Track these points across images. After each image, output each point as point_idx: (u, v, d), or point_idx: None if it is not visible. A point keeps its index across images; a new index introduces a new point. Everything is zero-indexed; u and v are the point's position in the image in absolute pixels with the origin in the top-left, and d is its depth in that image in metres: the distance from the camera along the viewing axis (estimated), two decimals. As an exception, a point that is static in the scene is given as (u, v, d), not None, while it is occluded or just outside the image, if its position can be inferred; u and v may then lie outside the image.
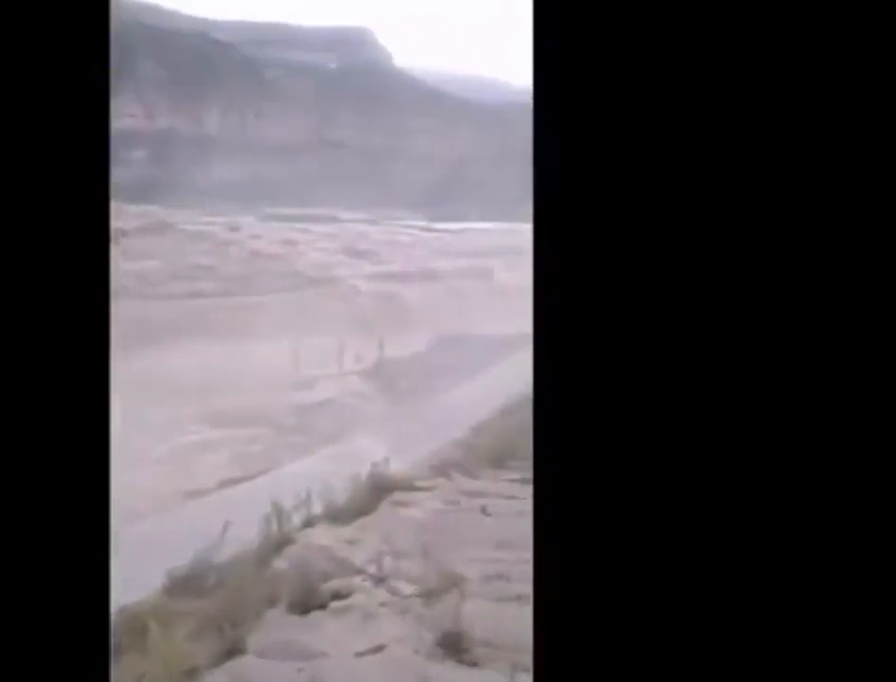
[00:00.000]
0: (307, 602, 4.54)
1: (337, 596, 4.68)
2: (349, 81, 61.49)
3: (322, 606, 4.54)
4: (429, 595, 4.64)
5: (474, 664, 3.85)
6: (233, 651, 3.98)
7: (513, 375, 12.29)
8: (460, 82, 78.92)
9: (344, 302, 21.27)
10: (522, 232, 40.87)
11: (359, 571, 5.05)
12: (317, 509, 6.20)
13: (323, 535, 5.65)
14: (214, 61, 52.34)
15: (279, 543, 5.38)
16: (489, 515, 6.04)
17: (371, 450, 8.18)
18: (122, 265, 18.58)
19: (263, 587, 4.73)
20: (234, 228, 29.71)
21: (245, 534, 5.54)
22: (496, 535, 5.51)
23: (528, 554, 4.72)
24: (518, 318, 20.59)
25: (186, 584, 5.19)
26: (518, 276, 29.96)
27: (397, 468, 7.29)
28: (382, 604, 4.57)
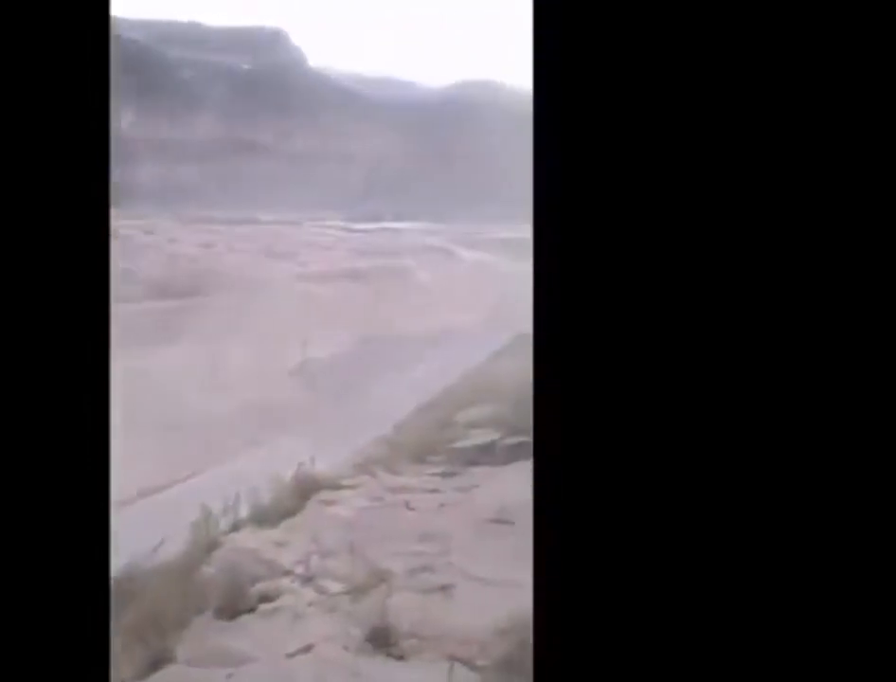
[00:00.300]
0: (235, 607, 4.48)
1: (266, 598, 4.64)
2: (264, 83, 60.25)
3: (251, 610, 4.49)
4: (356, 591, 4.65)
5: (402, 657, 3.89)
6: (161, 660, 3.90)
7: (432, 372, 12.41)
8: (375, 83, 78.40)
9: (265, 304, 20.88)
10: (438, 231, 41.03)
11: (287, 572, 5.01)
12: (244, 512, 6.11)
13: (250, 538, 5.57)
14: (127, 60, 50.39)
15: (206, 548, 5.28)
16: (413, 510, 6.09)
17: (296, 450, 8.10)
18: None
19: (190, 594, 4.64)
20: (150, 231, 28.75)
21: (171, 542, 5.42)
22: (420, 529, 5.57)
23: (451, 545, 4.78)
24: (436, 316, 20.64)
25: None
26: (435, 274, 30.13)
27: (322, 467, 7.25)
28: (310, 604, 4.56)
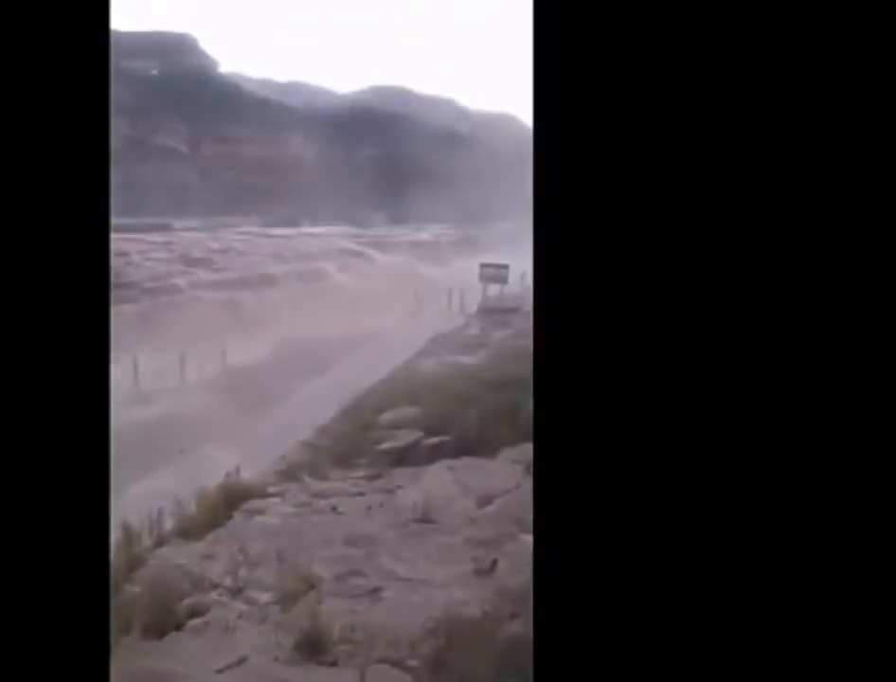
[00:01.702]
0: (162, 624, 4.30)
1: (194, 613, 4.48)
2: (173, 88, 58.19)
3: (178, 627, 4.33)
4: (286, 600, 4.55)
5: (333, 663, 3.83)
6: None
7: (353, 375, 12.29)
8: (286, 89, 76.95)
9: (182, 312, 20.19)
10: (351, 235, 40.68)
11: (215, 585, 4.85)
12: (168, 526, 5.88)
13: (176, 553, 5.37)
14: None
15: (130, 566, 5.05)
16: (340, 514, 6.01)
17: (219, 460, 7.87)
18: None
19: (115, 615, 4.43)
20: (59, 241, 27.28)
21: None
22: (347, 532, 5.50)
23: (379, 548, 4.74)
24: (354, 319, 20.47)
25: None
26: (351, 277, 29.88)
27: (247, 476, 7.06)
28: (240, 616, 4.43)
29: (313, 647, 3.94)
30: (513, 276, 19.94)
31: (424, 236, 46.00)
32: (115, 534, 5.36)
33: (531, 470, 6.10)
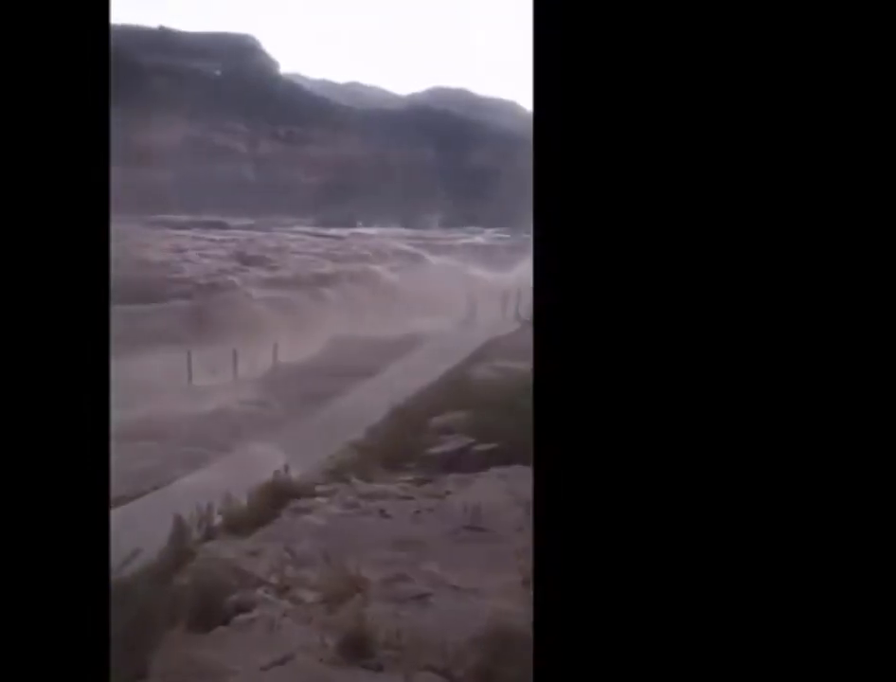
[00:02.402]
0: (209, 619, 4.37)
1: (240, 609, 4.54)
2: (234, 88, 59.67)
3: (225, 621, 4.39)
4: (332, 601, 4.57)
5: (378, 668, 3.82)
6: (133, 676, 3.78)
7: (403, 376, 12.33)
8: (345, 90, 78.19)
9: (236, 309, 20.61)
10: (406, 237, 40.98)
11: (261, 582, 4.91)
12: (217, 521, 5.98)
13: (224, 548, 5.45)
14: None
15: (179, 559, 5.15)
16: (388, 517, 6.02)
17: (268, 457, 7.97)
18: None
19: (164, 606, 4.52)
20: (120, 236, 28.28)
21: (143, 553, 5.27)
22: (395, 536, 5.50)
23: (427, 553, 4.72)
24: (405, 320, 20.55)
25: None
26: (404, 279, 30.06)
27: (295, 474, 7.14)
28: (285, 614, 4.47)
29: (358, 650, 3.94)
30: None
31: (480, 239, 46.00)
32: (164, 526, 5.49)
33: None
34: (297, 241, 34.26)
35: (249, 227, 36.32)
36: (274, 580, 4.92)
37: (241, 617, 4.43)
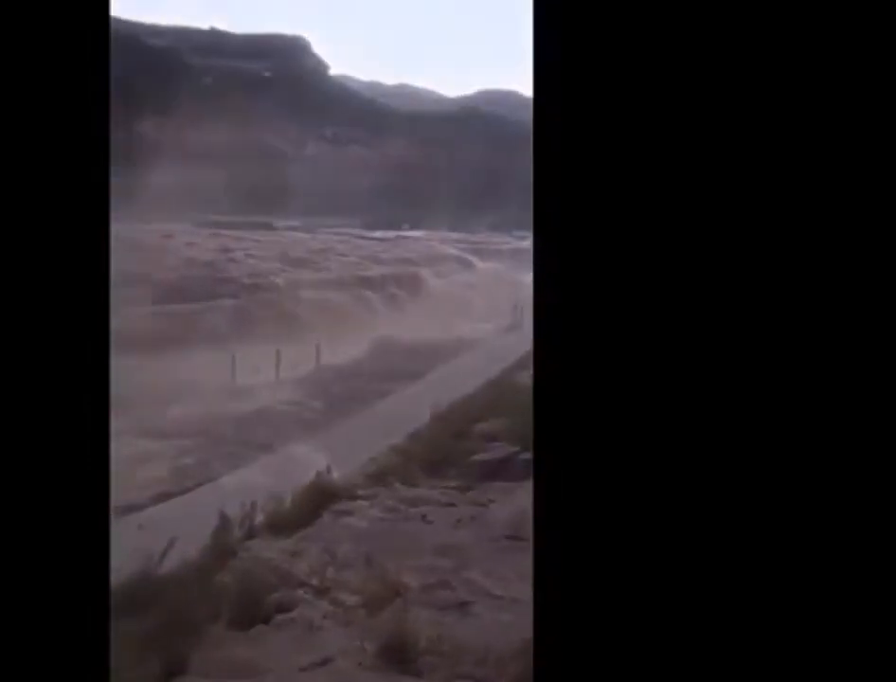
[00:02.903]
0: (250, 617, 4.43)
1: (280, 609, 4.59)
2: (284, 90, 60.69)
3: (265, 620, 4.44)
4: (372, 605, 4.59)
5: (418, 674, 3.82)
6: (174, 671, 3.85)
7: (447, 381, 12.34)
8: (394, 92, 78.86)
9: (280, 310, 20.91)
10: (452, 240, 41.07)
11: (302, 583, 4.96)
12: (258, 520, 6.07)
13: (265, 547, 5.53)
14: (148, 66, 50.90)
15: (221, 556, 5.24)
16: (430, 523, 6.03)
17: (310, 459, 8.05)
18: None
19: (204, 603, 4.59)
20: (168, 235, 28.90)
21: (184, 549, 5.37)
22: (436, 543, 5.50)
23: (469, 561, 4.70)
24: (450, 325, 20.51)
25: (122, 603, 4.99)
26: (450, 283, 30.12)
27: (337, 477, 7.20)
28: (325, 616, 4.50)
29: (397, 655, 3.95)
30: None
31: (527, 244, 45.86)
32: (205, 523, 5.58)
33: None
34: (343, 242, 34.63)
35: (295, 229, 36.83)
36: (314, 581, 4.96)
37: (282, 616, 4.48)
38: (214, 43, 62.67)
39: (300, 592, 4.79)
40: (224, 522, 5.42)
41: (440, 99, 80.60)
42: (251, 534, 5.73)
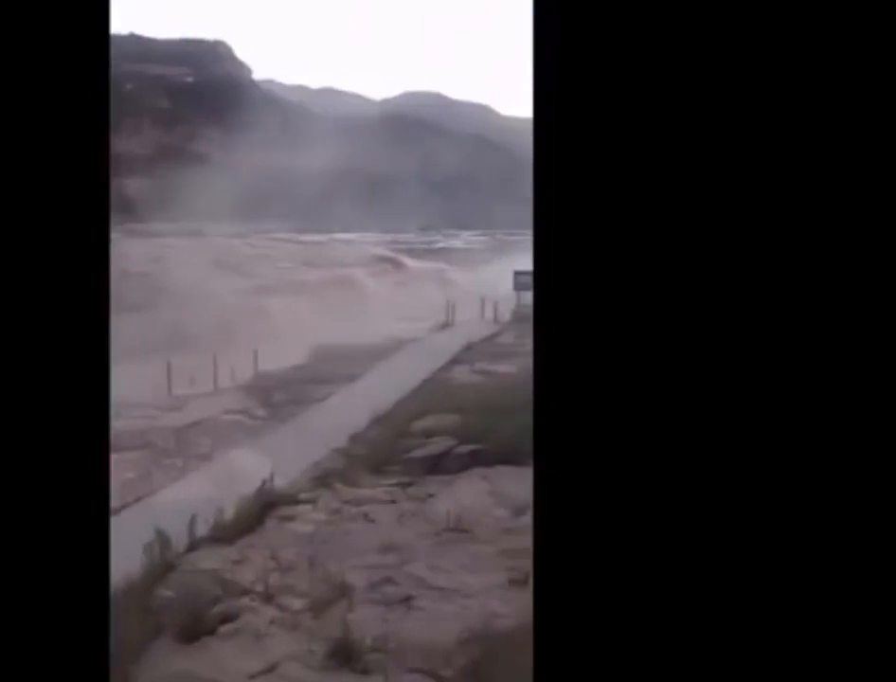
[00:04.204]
0: (195, 629, 4.35)
1: (226, 618, 4.52)
2: (207, 95, 59.30)
3: (211, 631, 4.37)
4: (318, 607, 4.57)
5: (365, 672, 3.83)
6: (120, 689, 3.76)
7: (385, 382, 12.32)
8: (320, 95, 77.94)
9: (215, 318, 20.47)
10: (384, 242, 40.91)
11: (246, 591, 4.89)
12: (201, 531, 5.94)
13: (208, 558, 5.43)
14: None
15: (163, 570, 5.12)
16: (372, 522, 6.03)
17: (252, 466, 7.93)
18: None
19: (147, 619, 4.49)
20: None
21: (126, 565, 5.22)
22: (380, 541, 5.51)
23: (412, 556, 4.72)
24: (385, 325, 20.41)
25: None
26: (383, 284, 30.03)
27: (280, 482, 7.11)
28: (271, 622, 4.46)
29: (344, 655, 3.95)
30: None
31: (457, 243, 46.07)
32: (145, 538, 5.44)
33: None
34: (275, 247, 34.10)
35: (227, 235, 36.06)
36: (259, 588, 4.91)
37: (228, 626, 4.42)
38: (135, 48, 60.65)
39: (245, 600, 4.73)
40: (161, 536, 5.29)
41: (366, 102, 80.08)
42: (193, 546, 5.62)
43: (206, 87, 60.89)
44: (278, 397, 12.15)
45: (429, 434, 7.99)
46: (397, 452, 7.73)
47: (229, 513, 6.09)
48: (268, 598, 4.78)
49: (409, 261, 35.29)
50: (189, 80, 61.68)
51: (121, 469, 8.41)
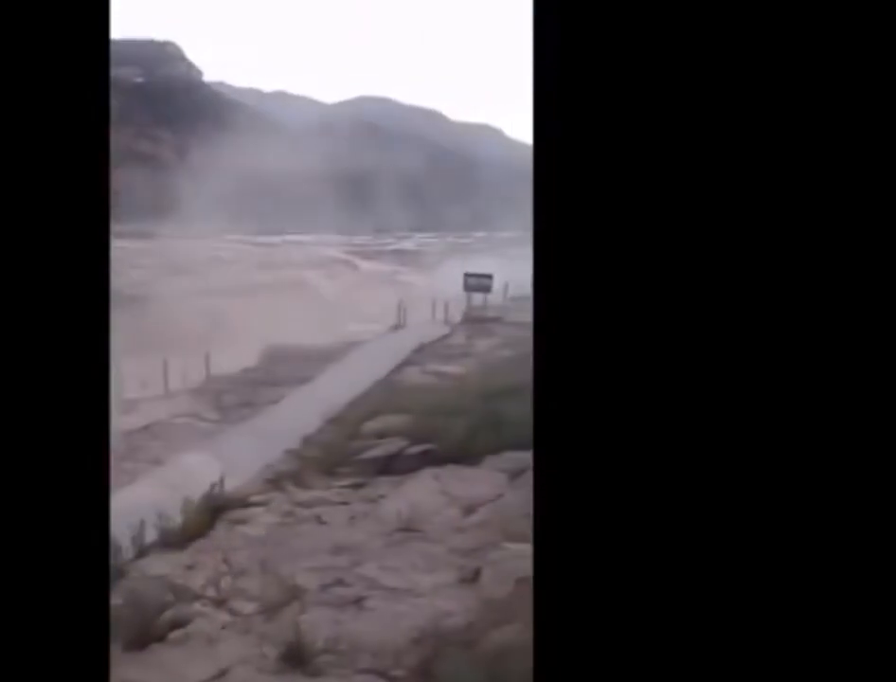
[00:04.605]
0: (144, 636, 4.25)
1: (176, 624, 4.44)
2: (158, 96, 58.02)
3: (161, 638, 4.28)
4: (269, 611, 4.51)
5: (317, 674, 3.80)
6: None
7: (337, 383, 12.24)
8: (271, 99, 76.93)
9: (166, 320, 20.02)
10: (337, 244, 40.63)
11: (198, 596, 4.81)
12: (152, 536, 5.81)
13: (159, 564, 5.32)
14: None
15: (112, 578, 4.99)
16: (324, 523, 5.98)
17: (204, 469, 7.78)
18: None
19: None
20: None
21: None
22: (332, 542, 5.47)
23: (363, 557, 4.70)
24: (337, 327, 20.22)
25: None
26: (335, 285, 29.81)
27: (231, 485, 7.00)
28: (223, 627, 4.39)
29: (296, 658, 3.91)
30: (497, 285, 19.99)
31: (408, 245, 46.01)
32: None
33: (514, 478, 6.12)
34: (228, 249, 33.54)
35: (178, 237, 35.32)
36: (211, 592, 4.82)
37: (178, 632, 4.33)
38: (81, 49, 58.83)
39: (196, 605, 4.65)
40: (110, 543, 5.15)
41: (319, 105, 79.33)
42: (143, 552, 5.49)
43: (155, 88, 59.60)
44: (230, 399, 11.95)
45: (381, 435, 7.97)
46: (349, 453, 7.68)
47: (179, 518, 5.97)
48: (219, 602, 4.70)
49: (362, 263, 35.11)
50: (139, 80, 60.27)
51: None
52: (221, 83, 72.33)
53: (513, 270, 18.83)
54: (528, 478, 6.02)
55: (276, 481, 7.20)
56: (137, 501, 7.14)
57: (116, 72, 57.41)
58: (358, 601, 4.52)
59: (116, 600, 4.71)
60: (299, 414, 9.96)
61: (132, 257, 28.01)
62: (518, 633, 3.52)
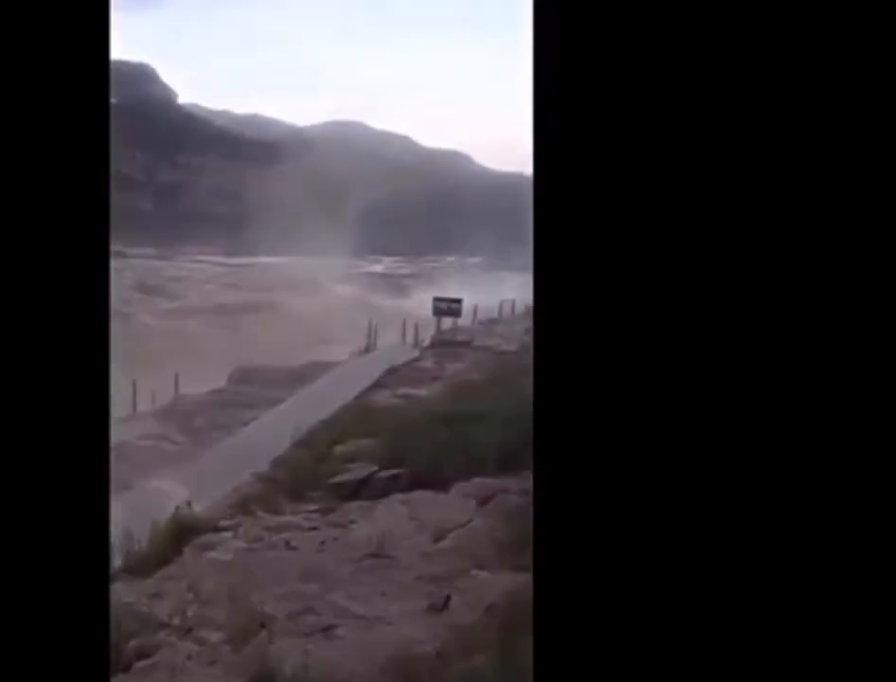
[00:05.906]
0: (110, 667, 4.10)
1: (141, 654, 4.29)
2: (132, 117, 57.49)
3: (125, 668, 4.13)
4: (237, 639, 4.39)
5: (285, 705, 3.70)
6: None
7: (306, 406, 12.10)
8: (244, 121, 76.74)
9: (135, 340, 19.66)
10: (307, 266, 40.45)
11: (163, 625, 4.66)
12: (116, 562, 5.64)
13: (123, 591, 5.15)
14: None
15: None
16: (294, 549, 5.86)
17: (171, 493, 7.60)
18: None
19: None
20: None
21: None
22: (301, 569, 5.36)
23: (333, 584, 4.60)
24: (307, 349, 20.10)
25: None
26: (306, 307, 29.63)
27: (199, 509, 6.84)
28: (189, 657, 4.26)
29: (264, 687, 3.80)
30: (465, 310, 20.04)
31: (378, 268, 46.04)
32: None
33: (483, 504, 6.08)
34: (200, 270, 33.18)
35: (149, 257, 34.89)
36: (177, 621, 4.68)
37: (143, 662, 4.19)
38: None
39: (162, 634, 4.50)
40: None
41: (292, 128, 79.34)
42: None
43: (129, 109, 59.06)
44: (199, 421, 11.74)
45: (350, 459, 7.88)
46: (318, 477, 7.57)
47: (145, 544, 5.81)
48: (186, 631, 4.56)
49: (333, 285, 34.99)
50: (114, 101, 59.77)
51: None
52: (195, 105, 71.96)
53: (481, 295, 18.90)
54: (497, 504, 5.99)
55: (244, 505, 7.06)
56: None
57: (90, 92, 56.83)
58: (327, 630, 4.43)
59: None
60: (269, 436, 9.81)
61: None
62: (488, 660, 3.48)
